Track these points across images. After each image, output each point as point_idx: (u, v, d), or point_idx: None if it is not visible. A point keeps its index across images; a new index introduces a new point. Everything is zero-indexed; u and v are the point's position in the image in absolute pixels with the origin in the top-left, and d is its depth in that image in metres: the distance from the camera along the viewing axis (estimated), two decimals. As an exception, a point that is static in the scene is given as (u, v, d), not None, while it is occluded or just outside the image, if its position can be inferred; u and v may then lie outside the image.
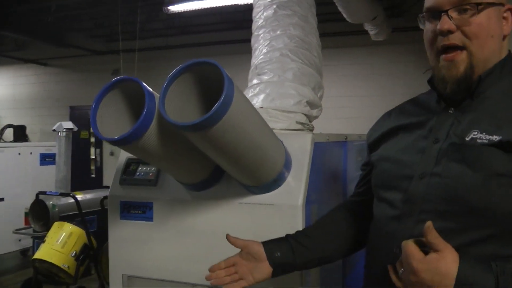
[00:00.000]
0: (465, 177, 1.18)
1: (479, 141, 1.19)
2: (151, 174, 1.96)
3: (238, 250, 1.53)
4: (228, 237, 1.49)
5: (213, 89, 1.46)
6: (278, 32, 2.85)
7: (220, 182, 1.81)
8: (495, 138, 1.17)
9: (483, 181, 1.16)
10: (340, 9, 5.71)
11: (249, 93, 2.65)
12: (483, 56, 1.26)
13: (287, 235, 1.54)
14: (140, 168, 2.00)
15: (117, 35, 10.02)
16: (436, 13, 1.28)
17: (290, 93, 2.53)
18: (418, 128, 1.36)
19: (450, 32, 1.25)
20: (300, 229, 1.65)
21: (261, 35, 2.93)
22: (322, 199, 1.95)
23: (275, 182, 1.70)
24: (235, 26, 9.76)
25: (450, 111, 1.32)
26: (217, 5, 7.74)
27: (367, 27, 6.79)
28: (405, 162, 1.33)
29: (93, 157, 10.39)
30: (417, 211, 1.25)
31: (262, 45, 2.86)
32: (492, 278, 1.06)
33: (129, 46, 8.33)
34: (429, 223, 1.10)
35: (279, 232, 1.70)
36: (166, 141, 1.52)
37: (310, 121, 2.65)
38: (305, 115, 2.56)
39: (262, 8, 3.05)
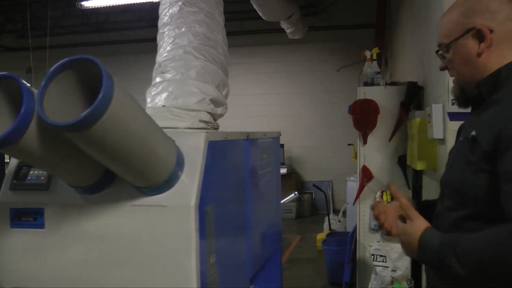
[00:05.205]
0: (455, 166, 1.54)
1: (469, 137, 1.46)
2: (42, 178, 1.86)
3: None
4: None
5: (98, 88, 1.41)
6: (183, 29, 2.81)
7: (112, 184, 1.75)
8: (474, 133, 1.44)
9: (462, 168, 1.46)
10: (255, 7, 5.74)
11: (152, 92, 2.59)
12: (464, 79, 1.59)
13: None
14: (31, 172, 1.89)
15: (30, 31, 9.60)
16: None
17: (193, 91, 2.50)
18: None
19: (446, 68, 1.63)
20: (193, 230, 1.66)
21: (166, 33, 2.87)
22: (221, 198, 1.94)
23: (166, 183, 1.67)
24: (152, 24, 9.61)
25: (476, 111, 1.59)
26: (134, 2, 7.59)
27: (284, 25, 6.87)
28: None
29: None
30: (443, 194, 1.63)
31: (166, 43, 2.81)
32: (438, 242, 1.37)
33: (43, 43, 7.99)
34: (403, 200, 1.57)
35: (172, 233, 1.68)
36: (49, 142, 1.45)
37: (215, 120, 2.63)
38: (209, 113, 2.54)
39: (168, 5, 2.99)
